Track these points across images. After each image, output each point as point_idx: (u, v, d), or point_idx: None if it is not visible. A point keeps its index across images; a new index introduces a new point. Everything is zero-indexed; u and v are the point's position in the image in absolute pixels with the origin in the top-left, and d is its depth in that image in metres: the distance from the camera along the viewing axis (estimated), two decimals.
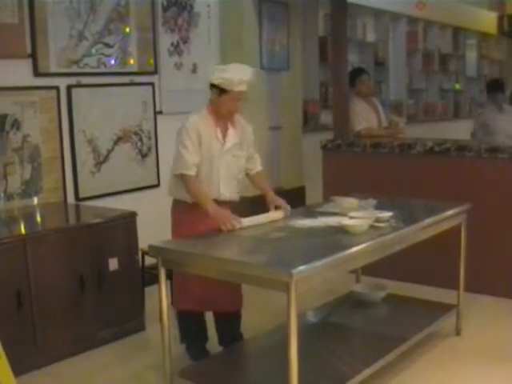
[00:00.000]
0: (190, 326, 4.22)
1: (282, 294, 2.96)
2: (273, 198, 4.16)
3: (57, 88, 5.11)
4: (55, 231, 4.36)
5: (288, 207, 4.12)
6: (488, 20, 12.24)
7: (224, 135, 4.00)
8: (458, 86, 11.53)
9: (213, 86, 3.91)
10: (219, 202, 3.95)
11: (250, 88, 3.96)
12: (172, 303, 4.13)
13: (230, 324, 4.23)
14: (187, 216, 3.98)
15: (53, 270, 4.25)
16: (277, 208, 4.11)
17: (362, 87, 6.72)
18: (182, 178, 3.91)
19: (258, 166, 4.25)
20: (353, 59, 8.30)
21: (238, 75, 3.84)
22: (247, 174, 4.22)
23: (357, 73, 6.85)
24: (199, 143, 3.90)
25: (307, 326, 4.35)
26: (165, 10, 5.97)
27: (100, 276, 4.52)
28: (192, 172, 3.88)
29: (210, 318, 4.25)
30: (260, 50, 6.76)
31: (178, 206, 4.07)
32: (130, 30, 5.64)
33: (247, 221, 3.87)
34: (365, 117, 6.66)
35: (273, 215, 4.06)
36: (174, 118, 5.92)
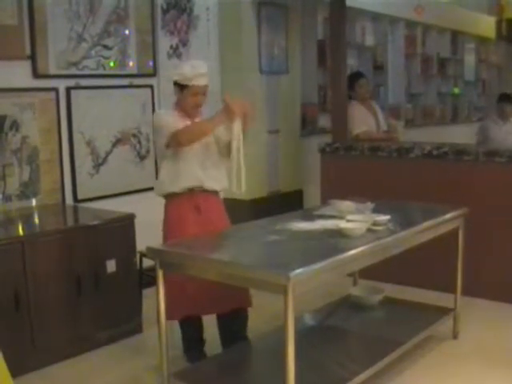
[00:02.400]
0: (188, 331, 4.22)
1: (280, 296, 2.96)
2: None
3: (56, 90, 5.12)
4: (53, 233, 4.37)
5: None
6: (487, 24, 12.26)
7: None
8: (457, 90, 11.54)
9: (174, 84, 3.99)
10: (205, 191, 4.01)
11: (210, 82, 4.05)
12: (166, 317, 4.09)
13: (231, 324, 4.21)
14: (177, 212, 4.03)
15: (50, 271, 4.26)
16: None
17: (360, 91, 6.74)
18: (174, 140, 3.88)
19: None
20: (351, 63, 8.31)
21: (195, 69, 3.91)
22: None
23: (355, 77, 6.86)
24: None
25: (304, 328, 4.35)
26: (164, 12, 5.99)
27: (98, 278, 4.52)
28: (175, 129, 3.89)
29: (208, 321, 4.25)
30: (259, 53, 6.77)
31: (168, 203, 4.11)
32: (129, 32, 5.65)
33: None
34: (363, 120, 6.67)
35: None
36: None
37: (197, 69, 3.92)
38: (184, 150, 3.93)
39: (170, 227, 4.08)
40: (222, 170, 4.13)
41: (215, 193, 4.13)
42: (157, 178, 4.10)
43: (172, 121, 3.93)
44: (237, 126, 3.86)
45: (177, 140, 3.87)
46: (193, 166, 3.98)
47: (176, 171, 3.98)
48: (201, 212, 4.02)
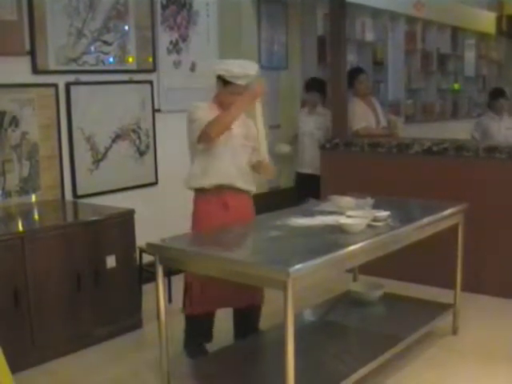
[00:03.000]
0: (200, 326, 4.20)
1: (279, 292, 2.96)
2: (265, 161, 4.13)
3: (55, 85, 5.11)
4: (53, 229, 4.37)
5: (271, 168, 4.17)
6: (487, 20, 12.24)
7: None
8: (457, 86, 11.53)
9: (218, 78, 3.98)
10: (235, 189, 4.03)
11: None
12: (184, 307, 4.12)
13: (248, 318, 4.25)
14: (205, 207, 4.03)
15: (50, 267, 4.26)
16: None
17: (360, 87, 6.74)
18: (204, 134, 3.88)
19: (258, 157, 4.21)
20: (351, 59, 8.29)
21: (244, 69, 3.92)
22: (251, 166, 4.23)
23: (355, 72, 6.86)
24: None
25: (304, 324, 4.35)
26: (164, 8, 5.97)
27: (97, 273, 4.52)
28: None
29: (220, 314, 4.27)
30: (258, 49, 6.78)
31: (196, 197, 4.12)
32: (128, 27, 5.64)
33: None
34: (363, 116, 6.68)
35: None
36: (173, 116, 5.95)
37: (246, 69, 3.93)
38: (218, 147, 3.95)
39: (197, 221, 4.08)
40: (250, 172, 4.17)
41: (245, 192, 4.13)
42: (190, 169, 4.10)
43: (205, 115, 3.90)
44: (259, 106, 3.96)
45: (206, 134, 3.86)
46: (225, 164, 4.00)
47: (207, 167, 3.99)
48: (228, 209, 4.01)
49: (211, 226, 3.90)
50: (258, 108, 3.95)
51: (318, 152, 6.38)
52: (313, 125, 6.76)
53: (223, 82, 3.96)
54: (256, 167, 4.19)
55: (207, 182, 4.00)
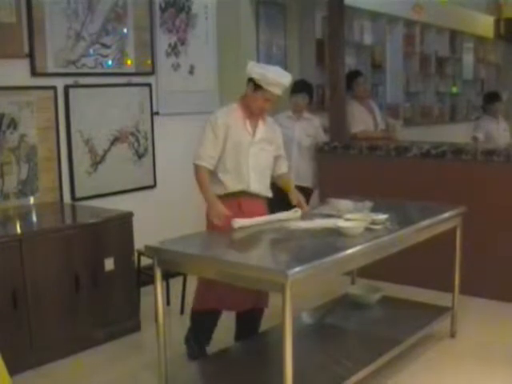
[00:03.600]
0: (204, 325, 4.20)
1: (278, 295, 2.96)
2: (295, 195, 4.23)
3: (54, 88, 5.11)
4: (51, 231, 4.37)
5: (305, 207, 4.24)
6: (485, 23, 12.26)
7: (254, 128, 4.06)
8: (455, 90, 11.54)
9: (250, 80, 3.97)
10: (250, 194, 4.03)
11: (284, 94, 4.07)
12: (195, 303, 4.15)
13: (251, 321, 4.25)
14: None
15: (48, 269, 4.25)
16: (297, 205, 4.18)
17: (358, 89, 6.74)
18: (194, 168, 3.99)
19: (284, 168, 4.32)
20: (350, 62, 8.30)
21: (278, 77, 3.92)
22: (272, 175, 4.25)
23: (353, 75, 6.86)
24: (225, 135, 3.98)
25: (302, 327, 4.35)
26: (162, 10, 5.98)
27: (95, 276, 4.52)
28: (204, 163, 3.97)
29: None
30: (257, 52, 6.77)
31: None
32: (127, 30, 5.65)
33: (250, 221, 3.85)
34: (361, 119, 6.68)
35: (283, 215, 4.04)
36: (171, 119, 5.96)
37: (280, 78, 3.93)
38: (236, 149, 3.99)
39: (212, 223, 4.02)
40: (268, 178, 4.19)
41: (261, 197, 4.14)
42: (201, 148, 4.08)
43: (211, 142, 3.97)
44: (287, 215, 4.05)
45: (195, 171, 3.99)
46: (243, 170, 4.01)
47: (229, 169, 4.01)
48: (243, 212, 3.98)
49: (226, 227, 3.87)
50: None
51: (307, 162, 6.21)
52: (301, 131, 6.17)
53: (254, 85, 3.95)
54: (283, 185, 4.30)
55: (221, 192, 4.01)
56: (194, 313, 4.21)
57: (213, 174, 4.03)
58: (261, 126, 4.09)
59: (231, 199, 3.99)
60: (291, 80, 4.06)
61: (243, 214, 3.94)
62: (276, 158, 4.24)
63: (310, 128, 6.23)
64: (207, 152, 3.97)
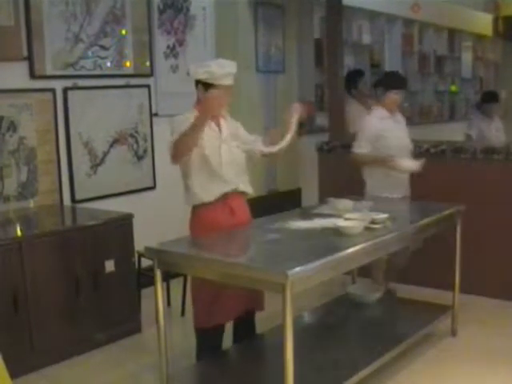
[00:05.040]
0: (209, 340, 4.01)
1: (278, 295, 2.97)
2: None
3: (53, 90, 5.12)
4: (51, 234, 4.37)
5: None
6: (483, 22, 12.26)
7: (219, 127, 3.94)
8: (454, 88, 11.54)
9: (198, 82, 3.85)
10: (237, 193, 3.94)
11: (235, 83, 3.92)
12: (196, 323, 3.96)
13: (248, 324, 4.19)
14: (211, 215, 3.87)
15: (49, 272, 4.26)
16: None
17: (363, 88, 6.74)
18: (172, 151, 3.74)
19: (260, 142, 4.11)
20: (348, 62, 8.31)
21: (224, 68, 3.80)
22: (263, 153, 4.08)
23: (359, 74, 6.86)
24: None
25: (303, 327, 4.36)
26: (161, 12, 5.98)
27: (96, 278, 4.52)
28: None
29: None
30: (256, 53, 6.78)
31: (199, 207, 3.92)
32: (125, 32, 5.65)
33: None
34: (360, 120, 6.67)
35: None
36: (170, 121, 5.94)
37: (225, 68, 3.81)
38: (213, 155, 3.83)
39: (201, 231, 3.88)
40: (246, 173, 4.07)
41: (245, 194, 4.05)
42: (185, 188, 3.94)
43: (179, 130, 3.72)
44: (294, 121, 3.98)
45: (172, 156, 3.76)
46: (224, 171, 3.87)
47: (208, 179, 3.85)
48: (235, 214, 3.92)
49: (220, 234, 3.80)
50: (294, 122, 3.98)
51: None
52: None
53: (204, 85, 3.81)
54: (274, 132, 4.12)
55: (211, 197, 3.85)
56: (199, 330, 4.00)
57: (191, 184, 3.88)
58: (223, 123, 3.97)
59: (221, 203, 3.87)
60: (235, 66, 3.89)
61: (235, 215, 3.90)
62: (253, 142, 4.07)
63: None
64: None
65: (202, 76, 3.80)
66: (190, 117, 3.78)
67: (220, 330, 4.02)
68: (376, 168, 5.02)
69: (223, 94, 3.80)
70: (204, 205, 3.88)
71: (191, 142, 3.69)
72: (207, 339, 4.00)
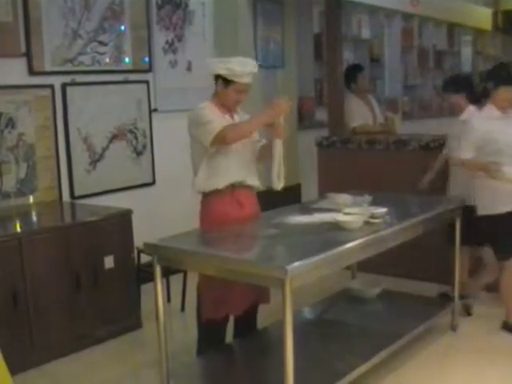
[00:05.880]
0: (215, 333, 4.03)
1: (278, 290, 2.96)
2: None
3: (51, 86, 5.11)
4: (51, 230, 4.37)
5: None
6: (483, 16, 12.23)
7: (232, 121, 3.98)
8: None
9: (218, 77, 3.90)
10: (247, 187, 3.98)
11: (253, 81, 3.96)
12: (200, 315, 3.99)
13: (249, 319, 4.19)
14: (220, 208, 3.89)
15: (48, 268, 4.26)
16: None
17: (363, 82, 6.73)
18: (219, 138, 3.78)
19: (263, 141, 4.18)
20: (348, 56, 8.30)
21: (245, 67, 3.84)
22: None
23: (358, 69, 6.85)
24: None
25: (303, 322, 4.35)
26: (159, 7, 5.97)
27: (96, 274, 4.52)
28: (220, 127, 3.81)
29: None
30: (255, 48, 6.76)
31: (209, 199, 3.95)
32: (124, 28, 5.64)
33: None
34: (360, 114, 6.68)
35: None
36: (169, 116, 5.95)
37: (247, 67, 3.85)
38: (226, 147, 3.87)
39: (210, 223, 3.92)
40: (255, 167, 4.11)
41: (253, 188, 4.09)
42: (195, 174, 3.97)
43: (215, 118, 3.83)
44: (283, 125, 3.91)
45: (223, 138, 3.77)
46: (235, 162, 3.92)
47: (218, 167, 3.90)
48: (243, 207, 3.95)
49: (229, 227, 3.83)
50: (283, 126, 3.92)
51: None
52: None
53: (223, 81, 3.87)
54: (264, 147, 4.11)
55: (221, 183, 3.89)
56: (203, 323, 4.00)
57: (205, 167, 3.92)
58: (236, 118, 4.02)
59: (230, 195, 3.91)
60: (256, 65, 3.93)
61: (244, 208, 3.93)
62: (256, 142, 4.12)
63: None
64: (218, 123, 3.80)
65: (222, 72, 3.85)
66: (208, 106, 3.91)
67: (222, 324, 4.03)
68: (480, 176, 4.40)
69: (241, 92, 3.89)
70: (212, 195, 3.91)
71: (249, 131, 3.89)
72: (213, 332, 4.01)
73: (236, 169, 3.94)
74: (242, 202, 3.97)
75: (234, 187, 3.94)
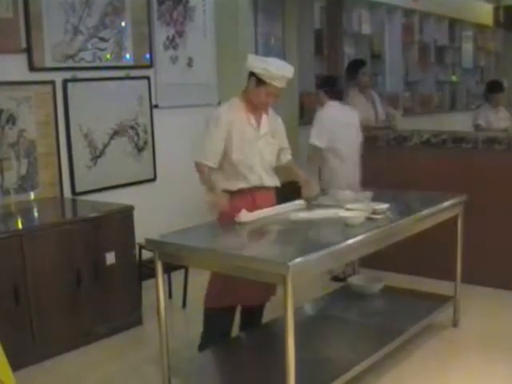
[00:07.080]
0: (220, 323, 4.06)
1: (279, 286, 2.96)
2: (306, 179, 4.19)
3: (52, 82, 5.10)
4: (52, 226, 4.36)
5: (317, 188, 4.21)
6: (484, 11, 12.23)
7: (258, 122, 4.00)
8: (455, 78, 11.52)
9: (251, 74, 3.88)
10: (264, 188, 4.00)
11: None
12: (205, 302, 4.03)
13: (256, 315, 4.21)
14: (232, 202, 3.87)
15: (50, 264, 4.25)
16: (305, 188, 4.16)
17: (364, 78, 6.72)
18: (196, 166, 3.92)
19: (288, 155, 4.25)
20: (348, 51, 8.29)
21: (281, 70, 3.83)
22: (278, 165, 4.20)
23: (360, 64, 6.83)
24: (229, 132, 3.89)
25: (304, 318, 4.35)
26: (160, 3, 5.96)
27: (97, 270, 4.52)
28: (209, 162, 3.90)
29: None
30: (255, 43, 6.77)
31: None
32: (125, 24, 5.63)
33: (257, 214, 3.81)
34: (362, 109, 6.65)
35: (288, 206, 4.07)
36: (170, 112, 5.94)
37: (284, 71, 3.84)
38: (242, 146, 3.91)
39: (224, 216, 3.91)
40: (273, 168, 4.14)
41: (272, 188, 4.11)
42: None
43: (215, 139, 3.87)
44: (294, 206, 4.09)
45: (197, 169, 3.93)
46: (253, 166, 3.95)
47: (236, 172, 3.94)
48: (256, 202, 3.95)
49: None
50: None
51: None
52: None
53: (257, 80, 3.85)
54: (289, 174, 4.23)
55: (234, 188, 3.93)
56: (209, 310, 4.04)
57: (222, 170, 3.96)
58: (264, 119, 4.02)
59: (245, 194, 3.94)
60: (293, 71, 3.94)
61: (257, 208, 3.91)
62: (281, 149, 4.19)
63: None
64: (212, 149, 3.89)
65: (258, 70, 3.83)
66: (229, 110, 3.94)
67: (229, 314, 4.05)
68: None
69: (271, 94, 3.88)
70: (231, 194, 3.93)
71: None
72: (215, 321, 4.03)
73: (254, 174, 3.96)
74: (256, 200, 3.98)
75: (250, 189, 3.97)
